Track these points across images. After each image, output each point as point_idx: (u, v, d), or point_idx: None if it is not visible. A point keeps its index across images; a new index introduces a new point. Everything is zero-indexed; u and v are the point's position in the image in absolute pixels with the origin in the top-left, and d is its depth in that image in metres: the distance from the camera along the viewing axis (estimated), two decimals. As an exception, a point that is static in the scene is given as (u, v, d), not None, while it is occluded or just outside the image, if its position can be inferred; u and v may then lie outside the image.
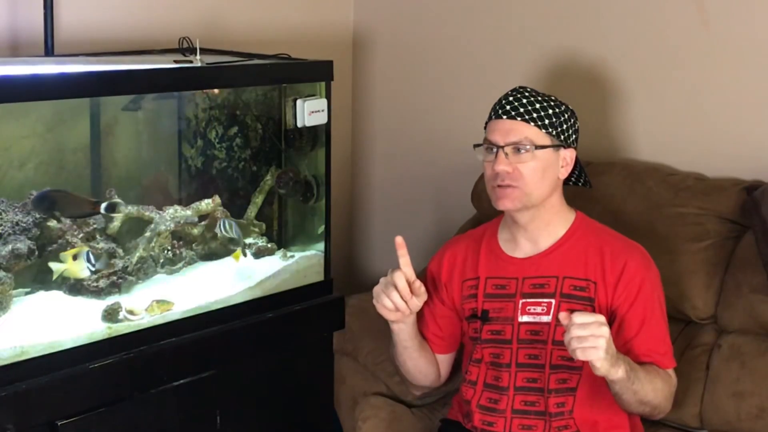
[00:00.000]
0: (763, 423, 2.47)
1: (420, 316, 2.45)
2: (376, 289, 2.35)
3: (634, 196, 2.79)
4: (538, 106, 2.31)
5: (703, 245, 2.67)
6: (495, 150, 2.30)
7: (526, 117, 2.29)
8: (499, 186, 2.29)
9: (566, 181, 2.41)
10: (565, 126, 2.33)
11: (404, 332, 2.40)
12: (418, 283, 2.32)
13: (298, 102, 2.64)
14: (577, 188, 2.49)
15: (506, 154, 2.28)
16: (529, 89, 2.36)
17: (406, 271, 2.31)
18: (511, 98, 2.32)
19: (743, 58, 2.82)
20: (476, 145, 2.36)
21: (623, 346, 2.26)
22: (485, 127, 2.37)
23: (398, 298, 2.30)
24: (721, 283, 2.65)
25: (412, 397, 2.73)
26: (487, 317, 2.36)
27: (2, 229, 2.31)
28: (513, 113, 2.30)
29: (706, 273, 2.65)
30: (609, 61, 3.03)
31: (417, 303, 2.33)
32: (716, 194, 2.72)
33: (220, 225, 2.60)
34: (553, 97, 2.36)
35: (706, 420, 2.57)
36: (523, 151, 2.28)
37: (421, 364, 2.47)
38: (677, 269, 2.63)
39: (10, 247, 2.30)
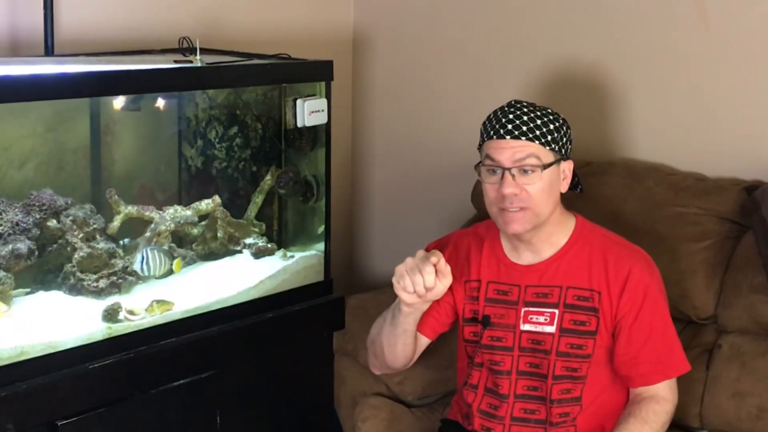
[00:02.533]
0: (763, 423, 2.47)
1: None
2: (400, 269, 2.23)
3: (634, 196, 2.79)
4: (539, 122, 2.22)
5: (703, 245, 2.67)
6: (500, 172, 2.23)
7: (530, 135, 2.21)
8: (505, 209, 2.23)
9: None
10: (564, 139, 2.27)
11: (412, 316, 2.32)
12: (447, 269, 2.21)
13: (298, 102, 2.64)
14: (579, 194, 2.47)
15: (513, 176, 2.21)
16: (524, 103, 2.28)
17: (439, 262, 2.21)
18: (510, 116, 2.23)
19: (743, 58, 2.82)
20: (477, 166, 2.28)
21: (633, 357, 2.25)
22: (480, 146, 2.29)
23: (421, 283, 2.20)
24: (721, 283, 2.65)
25: (411, 399, 2.74)
26: (488, 322, 2.33)
27: (2, 229, 2.31)
28: (516, 132, 2.21)
29: (706, 273, 2.65)
30: (609, 61, 3.03)
31: (440, 289, 2.22)
32: (716, 194, 2.72)
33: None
34: (549, 110, 2.28)
35: (706, 420, 2.57)
36: (530, 171, 2.21)
37: (409, 350, 2.39)
38: (677, 269, 2.63)
39: (10, 247, 2.30)
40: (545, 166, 2.22)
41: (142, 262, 2.48)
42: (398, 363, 2.44)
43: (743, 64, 2.82)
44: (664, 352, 2.28)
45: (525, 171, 2.21)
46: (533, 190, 2.21)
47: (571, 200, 2.42)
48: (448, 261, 2.27)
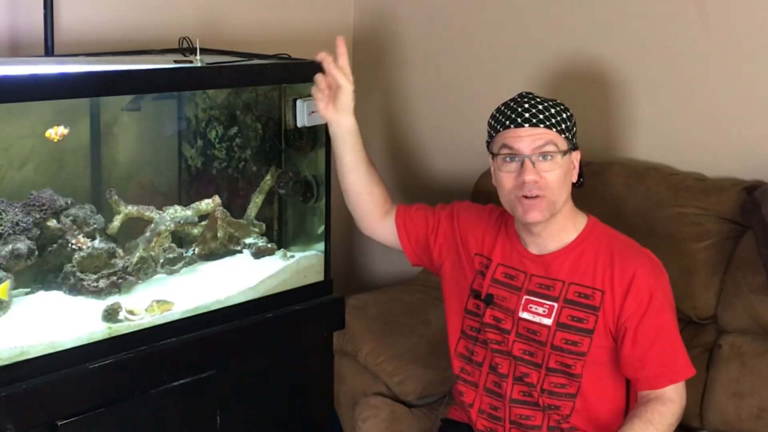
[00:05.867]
0: (763, 423, 2.47)
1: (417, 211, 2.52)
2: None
3: (634, 196, 2.79)
4: (553, 111, 2.25)
5: (703, 245, 2.67)
6: (518, 160, 2.23)
7: (547, 123, 2.23)
8: (524, 197, 2.23)
9: None
10: (574, 129, 2.29)
11: (341, 129, 2.43)
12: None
13: (298, 102, 2.64)
14: (578, 188, 2.47)
15: (533, 163, 2.22)
16: (533, 94, 2.30)
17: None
18: (526, 105, 2.25)
19: (743, 58, 2.82)
20: (495, 155, 2.28)
21: (638, 360, 2.24)
22: (491, 138, 2.29)
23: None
24: (721, 283, 2.65)
25: (411, 399, 2.74)
26: (491, 301, 2.34)
27: (2, 229, 2.31)
28: (534, 120, 2.23)
29: (706, 273, 2.66)
30: (609, 62, 3.03)
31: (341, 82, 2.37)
32: (716, 194, 2.72)
33: None
34: (558, 100, 2.31)
35: (706, 420, 2.57)
36: (549, 158, 2.22)
37: (361, 185, 2.50)
38: (677, 269, 2.62)
39: (10, 247, 2.30)
40: (563, 153, 2.24)
41: None
42: (355, 196, 2.51)
43: (743, 64, 2.82)
44: (670, 357, 2.26)
45: (545, 157, 2.22)
46: (551, 177, 2.23)
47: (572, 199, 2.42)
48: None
